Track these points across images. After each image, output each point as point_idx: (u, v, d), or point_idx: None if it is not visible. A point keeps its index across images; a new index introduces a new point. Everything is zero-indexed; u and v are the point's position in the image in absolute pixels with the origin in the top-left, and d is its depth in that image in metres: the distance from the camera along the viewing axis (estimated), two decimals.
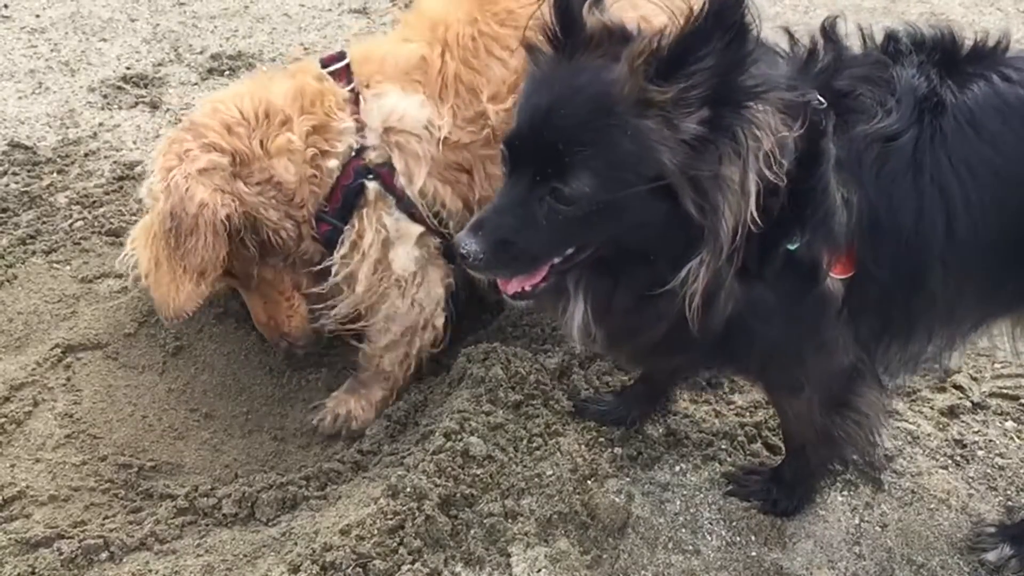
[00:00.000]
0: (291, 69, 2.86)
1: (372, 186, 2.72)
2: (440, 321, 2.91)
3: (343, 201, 2.72)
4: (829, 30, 2.00)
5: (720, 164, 1.69)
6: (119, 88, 4.54)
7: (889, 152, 1.90)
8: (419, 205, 2.76)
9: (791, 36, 2.03)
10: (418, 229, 2.78)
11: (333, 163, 2.69)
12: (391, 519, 2.34)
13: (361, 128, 2.71)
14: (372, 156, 2.72)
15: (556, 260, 1.88)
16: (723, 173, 1.69)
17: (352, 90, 2.73)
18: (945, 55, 2.01)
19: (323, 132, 2.68)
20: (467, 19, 2.77)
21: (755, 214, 1.74)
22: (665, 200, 1.73)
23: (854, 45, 2.05)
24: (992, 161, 1.93)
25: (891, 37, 2.03)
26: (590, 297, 1.99)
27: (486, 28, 2.76)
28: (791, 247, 1.92)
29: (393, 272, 2.78)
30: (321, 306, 2.87)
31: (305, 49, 4.99)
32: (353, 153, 2.70)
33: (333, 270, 2.78)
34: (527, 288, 1.91)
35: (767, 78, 1.76)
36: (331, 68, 2.76)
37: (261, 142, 2.65)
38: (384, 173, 2.73)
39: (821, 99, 1.87)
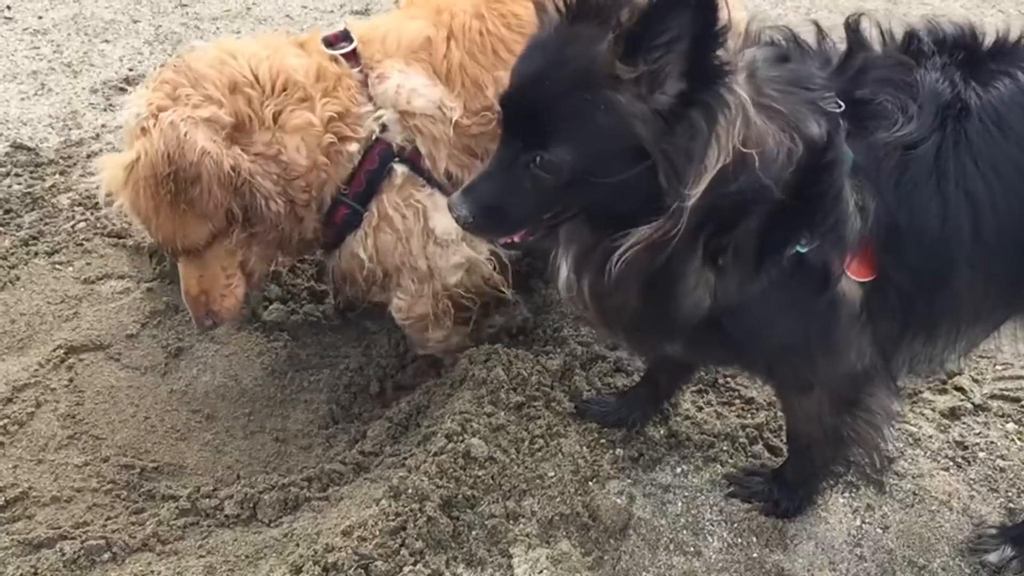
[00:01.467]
0: (300, 40, 2.75)
1: (400, 169, 2.71)
2: (482, 268, 2.90)
3: (367, 185, 2.70)
4: (853, 28, 2.00)
5: (690, 138, 1.70)
6: (121, 89, 4.53)
7: (909, 160, 1.90)
8: (446, 186, 2.76)
9: (820, 31, 2.03)
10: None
11: (353, 147, 2.65)
12: (393, 520, 2.34)
13: (378, 112, 2.67)
14: (398, 139, 2.70)
15: (540, 221, 1.93)
16: (691, 147, 1.70)
17: (362, 71, 2.70)
18: (968, 53, 2.00)
19: (344, 119, 2.63)
20: (473, 12, 2.77)
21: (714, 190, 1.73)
22: (641, 170, 1.74)
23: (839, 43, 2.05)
24: (1018, 160, 1.93)
25: (912, 36, 2.02)
26: (572, 249, 2.03)
27: (492, 28, 2.76)
28: (802, 249, 1.92)
29: (441, 238, 2.78)
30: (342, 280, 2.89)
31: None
32: (375, 137, 2.67)
33: (353, 249, 2.77)
34: (515, 239, 1.99)
35: (800, 72, 1.82)
36: (339, 50, 2.69)
37: (275, 114, 2.55)
38: (412, 155, 2.72)
39: (839, 102, 1.87)
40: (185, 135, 2.37)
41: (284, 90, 2.56)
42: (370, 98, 2.68)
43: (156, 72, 2.60)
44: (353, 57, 2.70)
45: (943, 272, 1.99)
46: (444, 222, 2.75)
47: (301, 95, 2.57)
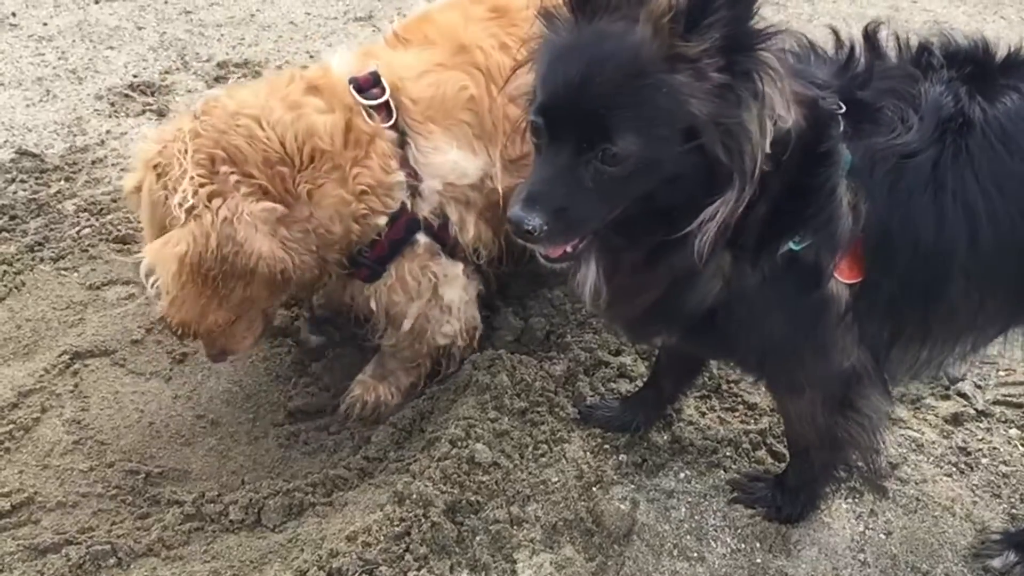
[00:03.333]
0: (314, 82, 2.56)
1: (423, 240, 2.68)
2: (477, 325, 2.94)
3: (389, 251, 2.66)
4: (872, 36, 2.02)
5: (741, 108, 1.73)
6: (126, 96, 4.57)
7: (904, 168, 1.92)
8: (468, 250, 2.78)
9: (837, 37, 2.05)
10: (460, 266, 2.80)
11: (382, 220, 2.58)
12: (397, 525, 2.35)
13: (414, 182, 2.60)
14: (427, 211, 2.65)
15: (602, 220, 1.89)
16: (744, 116, 1.73)
17: (397, 130, 2.57)
18: (978, 67, 2.01)
19: (375, 191, 2.53)
20: (498, 44, 2.70)
21: (768, 153, 1.77)
22: (695, 150, 1.76)
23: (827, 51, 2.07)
24: (1022, 176, 1.94)
25: (924, 48, 2.04)
26: (602, 257, 2.02)
27: (520, 56, 2.70)
28: (795, 247, 1.94)
29: (446, 306, 2.81)
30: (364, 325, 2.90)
31: (312, 58, 5.02)
32: (401, 208, 2.60)
33: (367, 298, 2.77)
34: (568, 250, 1.93)
35: (802, 69, 1.84)
36: (370, 100, 2.54)
37: (308, 191, 2.46)
38: (437, 226, 2.70)
39: (840, 103, 1.89)
40: (244, 239, 2.30)
41: (312, 162, 2.46)
42: (404, 161, 2.58)
43: (180, 118, 2.49)
44: (385, 110, 2.56)
45: (936, 281, 2.01)
46: (452, 293, 2.79)
47: (330, 165, 2.47)
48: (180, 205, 2.31)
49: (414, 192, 2.62)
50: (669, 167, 1.78)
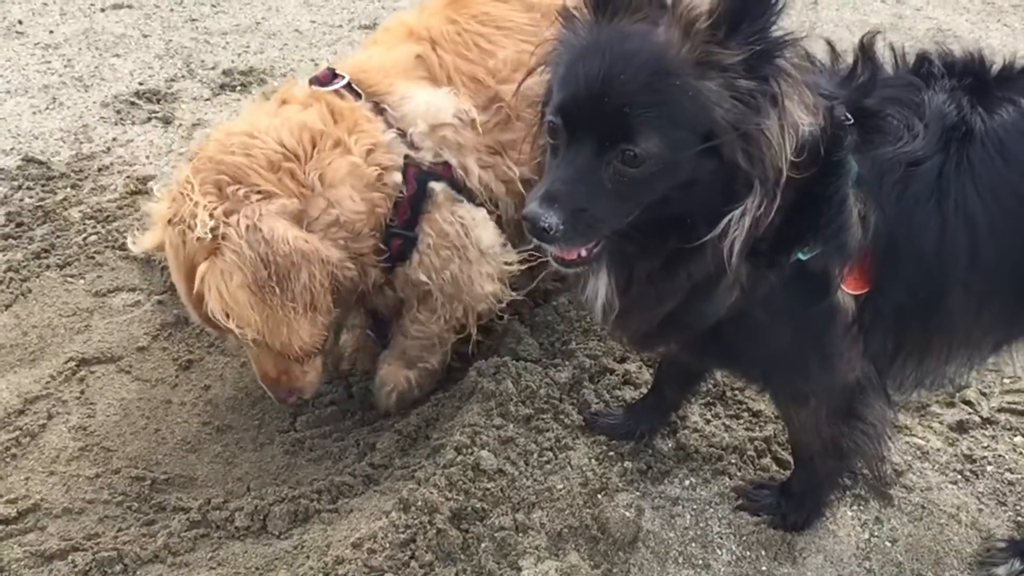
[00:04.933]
0: (281, 97, 2.67)
1: (439, 187, 2.70)
2: (514, 266, 2.91)
3: (411, 211, 2.68)
4: (867, 47, 2.03)
5: (761, 114, 1.73)
6: (132, 103, 4.59)
7: (911, 177, 1.93)
8: (479, 192, 2.79)
9: (832, 49, 2.06)
10: (483, 210, 2.81)
11: (397, 176, 2.63)
12: (403, 532, 2.35)
13: (404, 134, 2.66)
14: (428, 158, 2.69)
15: (619, 224, 1.87)
16: (765, 123, 1.74)
17: (369, 100, 2.66)
18: (976, 79, 2.03)
19: (379, 148, 2.59)
20: (446, 21, 2.81)
21: (792, 159, 1.78)
22: (713, 156, 1.76)
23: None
24: (1019, 188, 1.95)
25: (923, 59, 2.06)
26: (614, 268, 2.01)
27: (468, 26, 2.80)
28: (803, 256, 1.94)
29: (485, 252, 2.79)
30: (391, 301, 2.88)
31: (316, 66, 5.03)
32: (405, 162, 2.65)
33: (409, 276, 2.76)
34: (583, 254, 1.91)
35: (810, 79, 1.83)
36: (333, 86, 2.64)
37: (321, 176, 2.49)
38: (443, 170, 2.72)
39: (847, 114, 1.89)
40: (271, 234, 2.33)
41: (314, 145, 2.51)
42: (388, 124, 2.64)
43: (176, 173, 2.54)
44: (350, 91, 2.66)
45: (937, 291, 2.02)
46: (486, 235, 2.79)
47: (332, 142, 2.53)
48: (203, 233, 2.34)
49: (409, 144, 2.67)
50: (687, 171, 1.78)
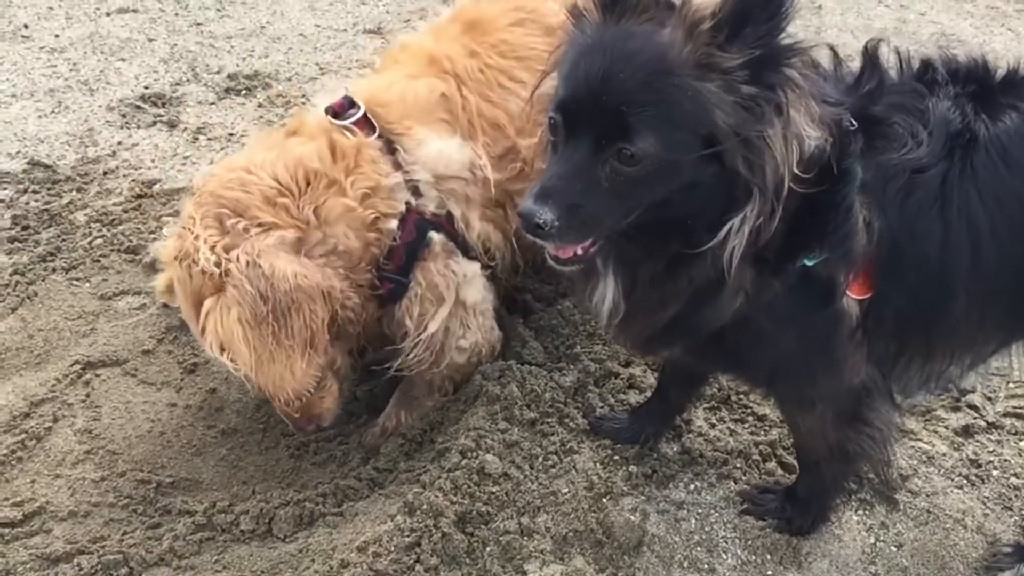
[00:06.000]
0: (291, 128, 2.70)
1: (437, 238, 2.71)
2: (497, 334, 2.94)
3: (405, 258, 2.67)
4: (872, 53, 2.03)
5: (764, 122, 1.73)
6: (137, 107, 4.60)
7: (916, 183, 1.93)
8: (477, 247, 2.79)
9: (836, 55, 2.06)
10: (477, 265, 2.82)
11: (392, 224, 2.62)
12: (408, 536, 2.36)
13: (410, 181, 2.64)
14: (431, 207, 2.69)
15: (615, 224, 1.86)
16: (768, 131, 1.74)
17: (381, 138, 2.63)
18: (980, 85, 2.03)
19: (378, 193, 2.58)
20: (466, 52, 2.76)
21: (797, 172, 1.78)
22: (713, 161, 1.76)
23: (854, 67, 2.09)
24: (1021, 194, 1.95)
25: (928, 65, 2.06)
26: (620, 271, 2.01)
27: (491, 60, 2.76)
28: (809, 262, 1.94)
29: (468, 309, 2.81)
30: (389, 348, 2.86)
31: (321, 70, 5.05)
32: (406, 208, 2.64)
33: (397, 319, 2.77)
34: (579, 252, 1.91)
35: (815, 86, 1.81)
36: (348, 119, 2.62)
37: (315, 211, 2.50)
38: (444, 222, 2.72)
39: (852, 121, 1.89)
40: (271, 270, 2.35)
41: (308, 183, 2.52)
42: (397, 165, 2.63)
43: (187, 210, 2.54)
44: (365, 124, 2.63)
45: (940, 296, 2.02)
46: (473, 293, 2.80)
47: (326, 181, 2.53)
48: (208, 267, 2.37)
49: (414, 191, 2.65)
50: (686, 174, 1.78)
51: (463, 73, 2.73)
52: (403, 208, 2.64)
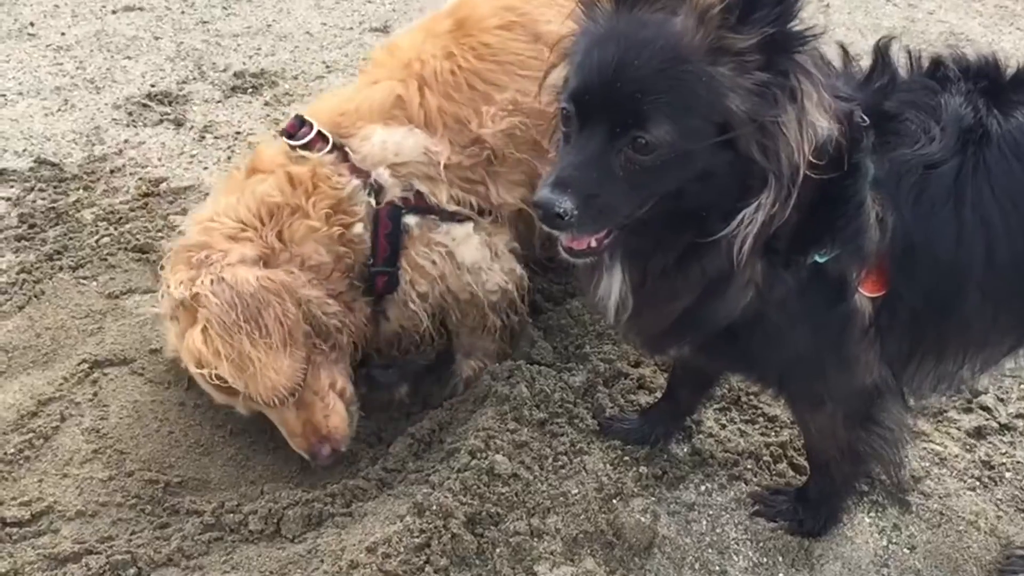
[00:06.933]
0: (252, 165, 2.78)
1: (413, 220, 2.76)
2: (515, 283, 2.93)
3: (390, 249, 2.74)
4: (883, 51, 2.02)
5: (778, 108, 1.72)
6: (144, 105, 4.59)
7: (929, 179, 1.92)
8: (463, 207, 2.82)
9: (845, 52, 2.05)
10: (468, 225, 2.83)
11: (359, 228, 2.71)
12: (417, 537, 2.34)
13: (368, 178, 2.71)
14: (397, 193, 2.74)
15: (631, 214, 1.85)
16: (782, 116, 1.73)
17: (335, 147, 2.72)
18: (991, 82, 2.02)
19: (340, 207, 2.68)
20: (443, 54, 2.79)
21: (811, 159, 1.77)
22: (728, 148, 1.75)
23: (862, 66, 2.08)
24: None
25: (938, 62, 2.05)
26: (627, 264, 1.99)
27: (465, 64, 2.78)
28: (820, 259, 1.93)
29: (469, 266, 2.82)
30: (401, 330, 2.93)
31: (328, 68, 5.04)
32: (375, 202, 2.72)
33: (401, 308, 2.85)
34: (593, 244, 1.89)
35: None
36: (301, 139, 2.72)
37: (279, 235, 2.63)
38: (414, 199, 2.75)
39: (864, 116, 1.88)
40: (233, 278, 2.47)
41: (272, 216, 2.64)
42: (353, 169, 2.70)
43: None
44: (321, 139, 2.72)
45: (953, 295, 2.01)
46: (469, 253, 2.81)
47: (288, 211, 2.64)
48: (180, 300, 2.53)
49: (375, 186, 2.72)
50: (701, 162, 1.77)
51: (430, 75, 2.78)
52: (366, 209, 2.71)
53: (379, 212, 2.72)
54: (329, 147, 2.71)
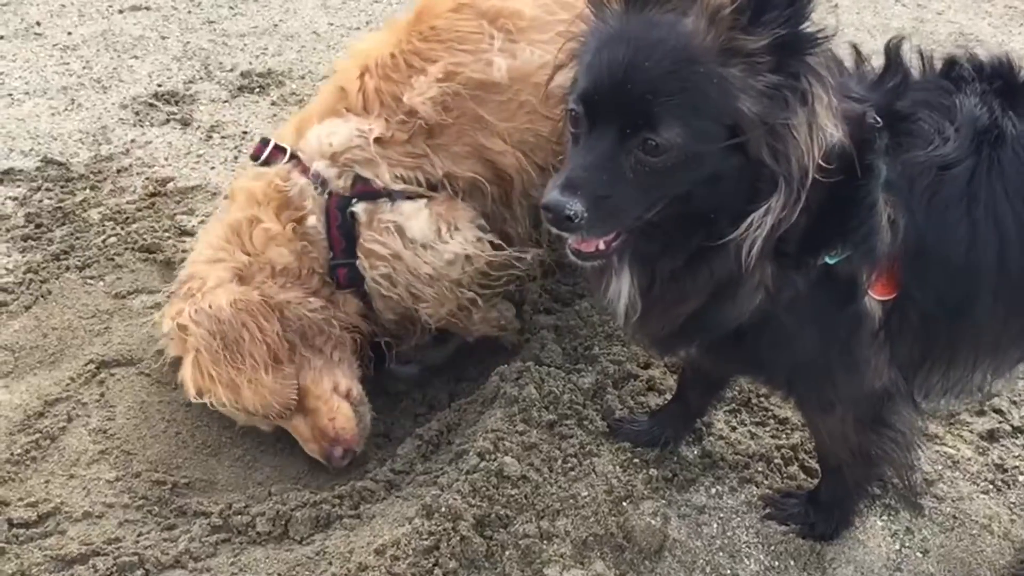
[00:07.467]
0: (233, 192, 2.94)
1: (360, 207, 2.80)
2: (479, 252, 2.89)
3: (346, 240, 2.81)
4: (894, 51, 2.00)
5: (788, 110, 1.71)
6: (151, 105, 4.58)
7: (943, 181, 1.90)
8: (405, 186, 2.83)
9: (858, 53, 2.03)
10: (420, 202, 2.83)
11: (312, 219, 2.80)
12: (426, 539, 2.33)
13: (312, 175, 2.79)
14: (339, 184, 2.80)
15: (640, 216, 1.83)
16: (793, 119, 1.71)
17: (292, 156, 2.83)
18: (1005, 82, 2.00)
19: (289, 206, 2.79)
20: (393, 44, 2.85)
21: (820, 162, 1.75)
22: (738, 151, 1.74)
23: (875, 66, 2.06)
24: None
25: (952, 62, 2.03)
26: (636, 267, 1.97)
27: (407, 46, 2.83)
28: (831, 260, 1.91)
29: (421, 243, 2.82)
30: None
31: (334, 68, 5.01)
32: (323, 197, 2.79)
33: (374, 297, 2.90)
34: (602, 247, 1.87)
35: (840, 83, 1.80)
36: (264, 156, 2.85)
37: (246, 253, 2.77)
38: (360, 187, 2.80)
39: (877, 118, 1.86)
40: (210, 306, 2.62)
41: (236, 233, 2.80)
42: (303, 170, 2.81)
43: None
44: (279, 152, 2.85)
45: (965, 298, 1.99)
46: (418, 226, 2.82)
47: (247, 222, 2.79)
48: (172, 335, 2.72)
49: (320, 181, 2.80)
50: (710, 165, 1.75)
51: (372, 64, 2.84)
52: (314, 203, 2.79)
53: (328, 205, 2.79)
54: (287, 157, 2.83)
